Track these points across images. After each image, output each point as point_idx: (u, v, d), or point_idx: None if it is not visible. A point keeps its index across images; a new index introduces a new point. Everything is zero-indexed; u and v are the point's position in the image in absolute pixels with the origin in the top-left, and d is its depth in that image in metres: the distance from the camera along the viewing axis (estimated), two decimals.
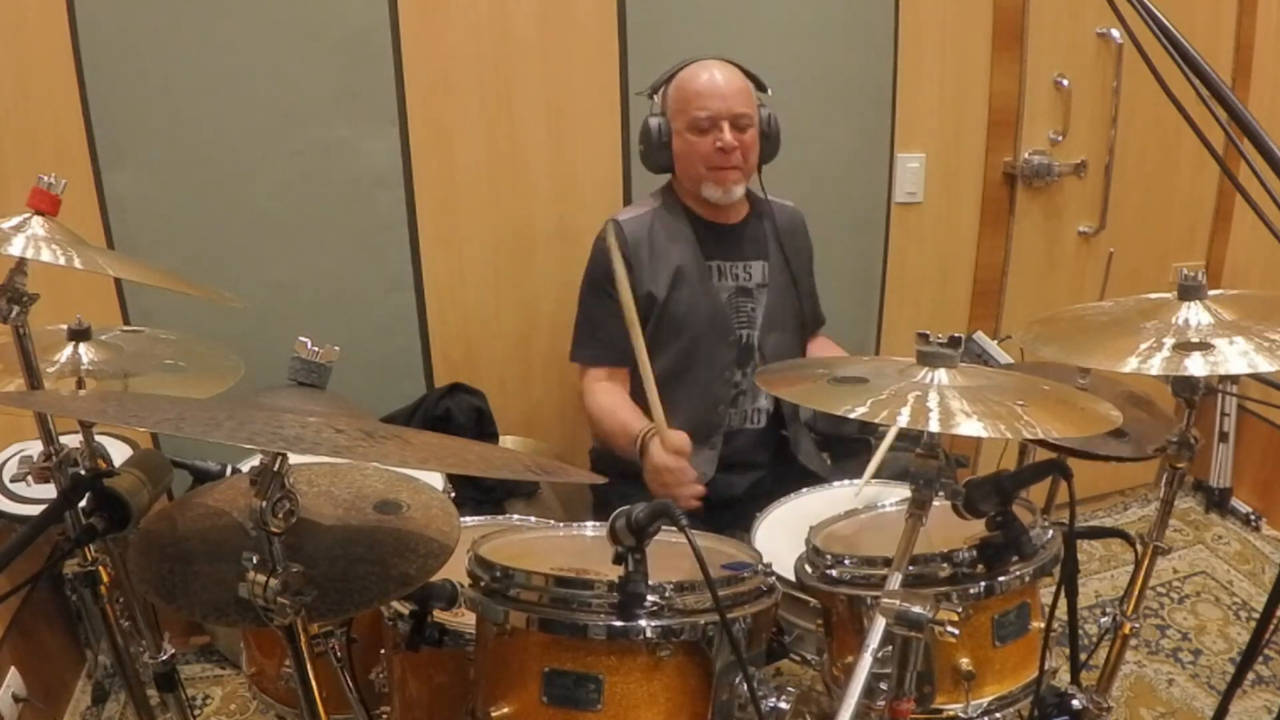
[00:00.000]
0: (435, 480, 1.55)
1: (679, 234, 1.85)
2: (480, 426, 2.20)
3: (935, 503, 1.08)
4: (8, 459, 1.92)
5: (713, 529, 1.37)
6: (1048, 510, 1.72)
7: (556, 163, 2.24)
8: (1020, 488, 1.11)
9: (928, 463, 1.07)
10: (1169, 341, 1.15)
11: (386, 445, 0.81)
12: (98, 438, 1.33)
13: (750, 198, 1.93)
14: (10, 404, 0.88)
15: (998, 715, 1.16)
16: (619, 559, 0.98)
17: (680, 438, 1.63)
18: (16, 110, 1.88)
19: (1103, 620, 1.44)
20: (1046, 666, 1.17)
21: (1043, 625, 1.21)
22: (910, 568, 1.07)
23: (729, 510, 1.87)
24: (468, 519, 1.33)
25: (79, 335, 1.32)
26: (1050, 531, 1.23)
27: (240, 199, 2.05)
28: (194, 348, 1.43)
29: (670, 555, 1.04)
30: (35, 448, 1.23)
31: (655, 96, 1.84)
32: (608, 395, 1.84)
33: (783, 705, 1.01)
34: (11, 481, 1.86)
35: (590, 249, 1.88)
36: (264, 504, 0.84)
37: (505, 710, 1.01)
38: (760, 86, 1.84)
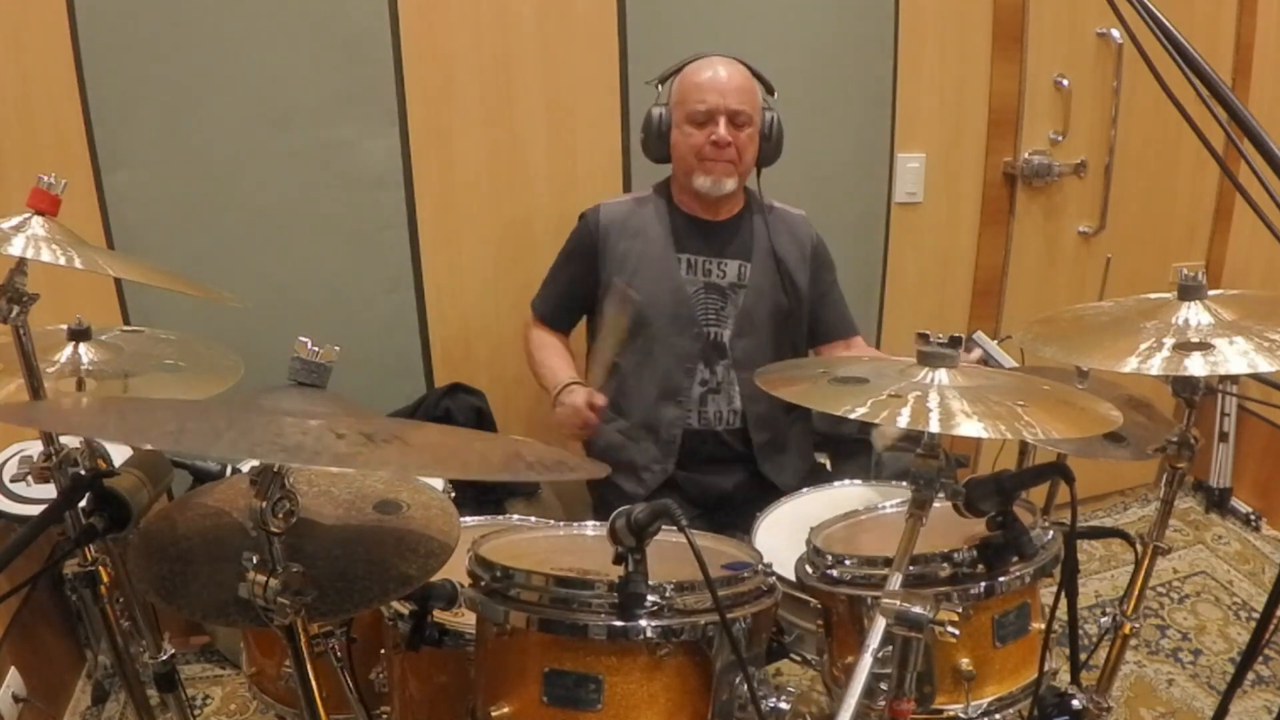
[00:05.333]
0: (435, 480, 1.55)
1: (654, 223, 1.87)
2: (480, 427, 2.20)
3: (935, 503, 1.08)
4: (8, 459, 1.92)
5: (713, 529, 1.37)
6: (1048, 510, 1.72)
7: (556, 163, 2.24)
8: (1021, 489, 1.11)
9: (928, 463, 1.07)
10: (1169, 341, 1.15)
11: (387, 450, 0.81)
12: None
13: (748, 198, 1.92)
14: (12, 420, 0.88)
15: (998, 716, 1.16)
16: (619, 559, 0.98)
17: (601, 399, 1.73)
18: (16, 110, 1.88)
19: (1103, 620, 1.44)
20: (1046, 667, 1.17)
21: (1043, 625, 1.21)
22: (910, 568, 1.07)
23: (729, 510, 1.87)
24: (468, 519, 1.33)
25: (79, 335, 1.32)
26: (1050, 532, 1.23)
27: (240, 199, 2.05)
28: (194, 348, 1.42)
29: (670, 555, 1.03)
30: (35, 448, 1.23)
31: (661, 87, 1.86)
32: (545, 342, 1.98)
33: (783, 705, 1.01)
34: (11, 481, 1.86)
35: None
36: (264, 504, 0.84)
37: (505, 710, 1.01)
38: (768, 89, 1.85)
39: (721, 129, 1.76)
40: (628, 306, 1.73)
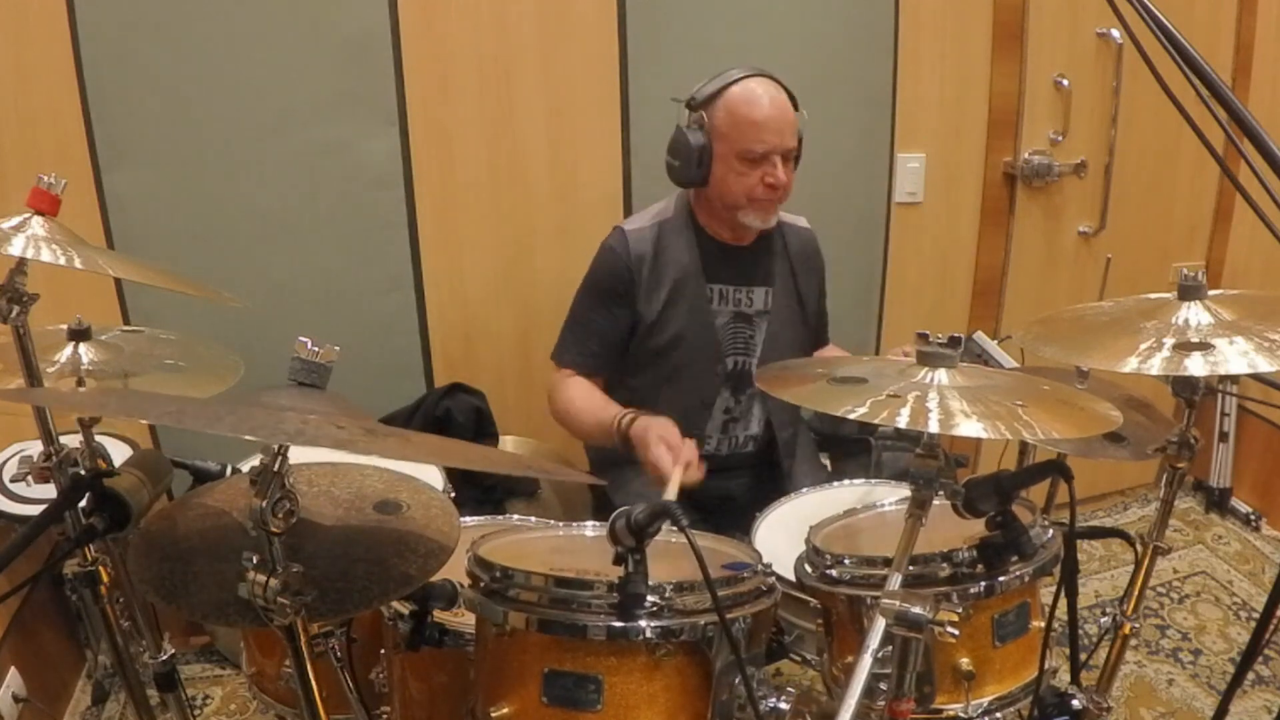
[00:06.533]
0: (435, 480, 1.55)
1: (683, 252, 1.78)
2: (480, 426, 2.20)
3: (935, 502, 1.08)
4: (8, 459, 1.92)
5: (713, 529, 1.37)
6: (1047, 510, 1.72)
7: (556, 163, 2.24)
8: (1020, 488, 1.11)
9: (927, 462, 1.07)
10: (1169, 341, 1.15)
11: (387, 441, 0.81)
12: (98, 437, 1.32)
13: None
14: (11, 399, 0.88)
15: (998, 715, 1.16)
16: (619, 559, 0.98)
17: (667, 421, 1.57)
18: (16, 110, 1.88)
19: (1103, 620, 1.44)
20: (1046, 666, 1.17)
21: (1043, 625, 1.21)
22: (910, 568, 1.07)
23: (729, 510, 1.87)
24: (468, 519, 1.33)
25: (79, 335, 1.32)
26: (1050, 531, 1.23)
27: (240, 199, 2.05)
28: (194, 348, 1.43)
29: (670, 555, 1.04)
30: (35, 448, 1.22)
31: (690, 110, 1.72)
32: (579, 386, 1.81)
33: (782, 705, 1.01)
34: (11, 481, 1.86)
35: (594, 251, 1.83)
36: (264, 504, 0.84)
37: (505, 710, 1.01)
38: (796, 106, 1.75)
39: (779, 171, 1.67)
40: None
